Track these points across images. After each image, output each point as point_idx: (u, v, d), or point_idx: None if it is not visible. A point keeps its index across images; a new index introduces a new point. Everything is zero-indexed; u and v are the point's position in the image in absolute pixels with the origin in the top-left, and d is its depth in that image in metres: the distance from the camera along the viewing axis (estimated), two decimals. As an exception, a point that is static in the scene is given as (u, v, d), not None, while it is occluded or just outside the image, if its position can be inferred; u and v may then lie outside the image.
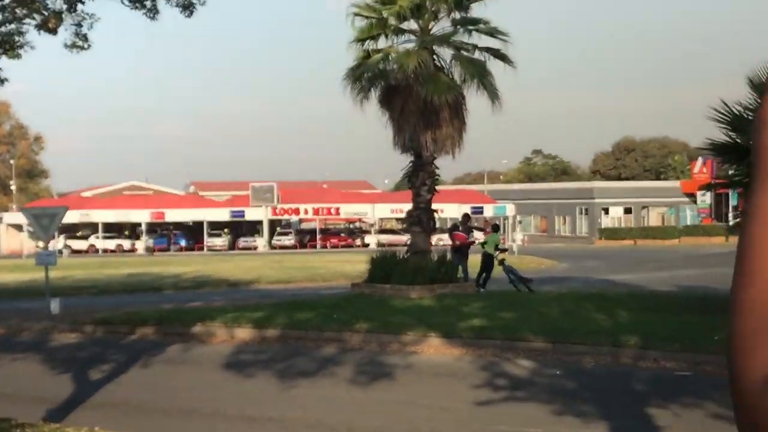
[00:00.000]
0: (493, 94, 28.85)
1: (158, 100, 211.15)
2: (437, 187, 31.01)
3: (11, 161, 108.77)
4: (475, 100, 29.53)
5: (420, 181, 28.93)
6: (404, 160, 30.11)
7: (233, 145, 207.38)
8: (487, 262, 31.00)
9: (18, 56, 15.26)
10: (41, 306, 27.52)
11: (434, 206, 31.64)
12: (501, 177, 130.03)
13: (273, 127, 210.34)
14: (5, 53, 15.18)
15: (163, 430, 14.20)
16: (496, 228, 34.37)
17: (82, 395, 16.14)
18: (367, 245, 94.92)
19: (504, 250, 32.00)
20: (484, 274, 31.05)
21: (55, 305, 26.32)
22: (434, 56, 29.38)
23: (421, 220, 30.55)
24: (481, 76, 28.59)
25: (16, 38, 15.17)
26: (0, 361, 20.11)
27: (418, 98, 27.85)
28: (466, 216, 34.86)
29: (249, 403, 15.38)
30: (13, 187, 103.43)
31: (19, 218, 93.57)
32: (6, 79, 15.32)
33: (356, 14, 29.15)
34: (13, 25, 15.14)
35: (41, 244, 26.97)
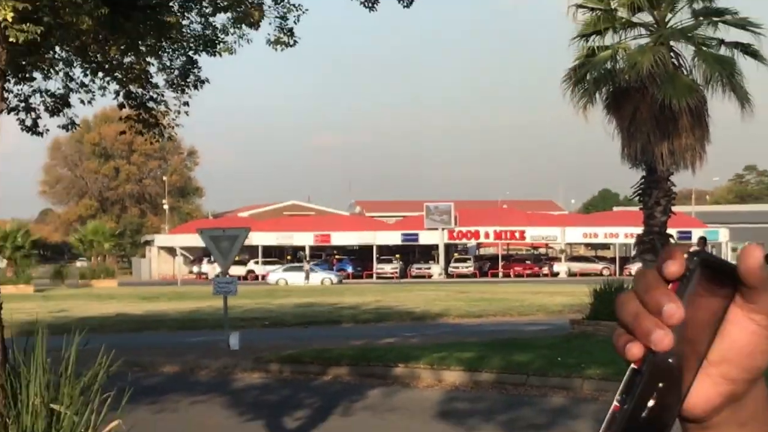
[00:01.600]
0: (744, 98, 27.32)
1: (317, 111, 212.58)
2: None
3: (163, 178, 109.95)
4: (719, 104, 28.09)
5: (653, 200, 27.48)
6: (601, 177, 28.89)
7: (400, 160, 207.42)
8: None
9: (219, 54, 14.79)
10: (216, 340, 27.20)
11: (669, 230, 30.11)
12: (707, 196, 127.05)
13: (445, 142, 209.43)
14: (205, 50, 14.67)
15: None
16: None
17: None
18: (556, 274, 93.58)
19: None
20: None
21: (234, 340, 25.89)
22: (672, 53, 28.05)
23: (655, 246, 28.97)
24: (729, 76, 27.09)
25: (220, 35, 14.71)
26: (177, 404, 19.54)
27: (653, 103, 26.53)
28: (702, 240, 33.43)
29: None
30: (165, 207, 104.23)
31: (172, 241, 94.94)
32: (206, 80, 14.77)
33: (579, 6, 28.02)
34: (214, 18, 14.67)
35: (216, 269, 26.54)
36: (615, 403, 1.04)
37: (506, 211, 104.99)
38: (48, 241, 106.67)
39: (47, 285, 72.64)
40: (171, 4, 13.48)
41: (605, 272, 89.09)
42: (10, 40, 8.81)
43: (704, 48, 27.65)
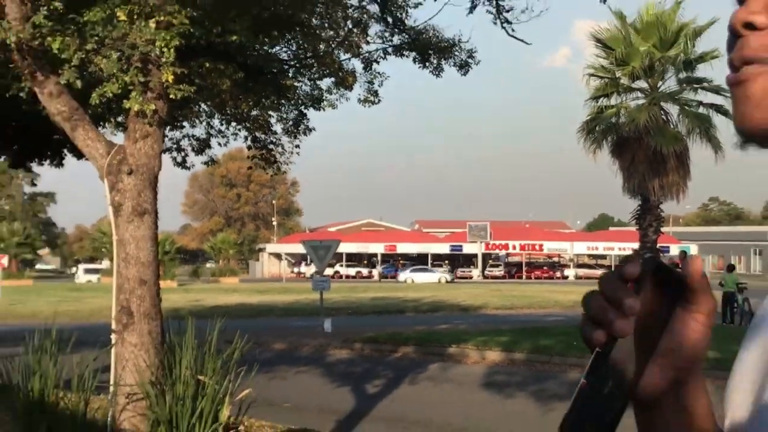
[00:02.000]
0: (717, 146, 26.96)
1: (391, 147, 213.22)
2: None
3: (273, 202, 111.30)
4: (698, 150, 27.64)
5: (647, 222, 27.10)
6: (600, 203, 28.54)
7: (450, 187, 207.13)
8: (729, 300, 28.97)
9: (323, 109, 14.65)
10: (315, 324, 26.99)
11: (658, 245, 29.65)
12: (680, 220, 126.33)
13: (485, 173, 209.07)
14: (312, 106, 14.49)
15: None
16: (731, 268, 31.87)
17: (361, 408, 15.18)
18: (566, 277, 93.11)
19: (744, 288, 29.55)
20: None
21: (328, 324, 25.65)
22: (662, 111, 27.61)
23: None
24: (706, 129, 26.69)
25: (324, 95, 14.55)
26: (286, 374, 19.38)
27: (648, 149, 26.15)
28: (683, 253, 32.90)
29: (514, 425, 14.14)
30: (274, 223, 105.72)
31: (279, 248, 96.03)
32: (313, 128, 14.62)
33: (591, 75, 27.74)
34: (320, 82, 14.50)
35: (313, 270, 26.29)
36: (582, 380, 1.02)
37: (528, 228, 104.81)
38: (187, 248, 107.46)
39: (186, 281, 73.17)
40: (288, 71, 13.30)
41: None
42: (171, 96, 8.62)
43: (687, 107, 27.26)
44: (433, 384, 18.39)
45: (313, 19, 13.22)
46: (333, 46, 13.64)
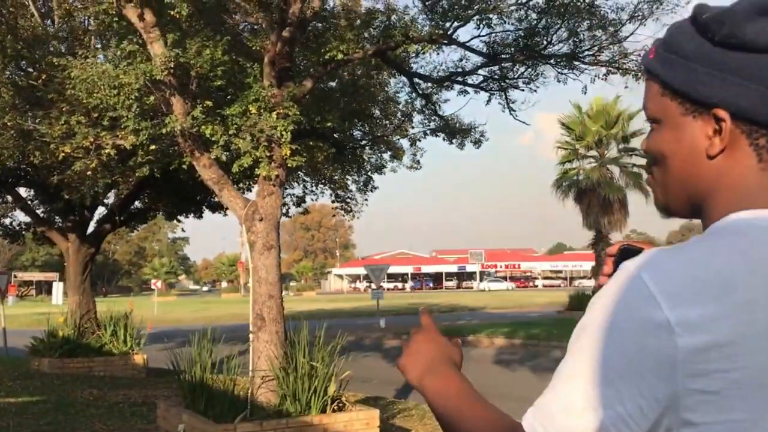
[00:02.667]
0: (646, 194, 26.38)
1: (418, 196, 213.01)
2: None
3: (336, 239, 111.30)
4: (634, 197, 26.99)
5: (600, 248, 26.45)
6: (557, 235, 27.85)
7: (459, 226, 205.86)
8: None
9: (384, 173, 14.28)
10: (372, 322, 26.49)
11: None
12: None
13: (486, 217, 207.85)
14: (376, 171, 14.10)
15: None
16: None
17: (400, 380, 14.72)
18: (536, 286, 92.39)
19: None
20: None
21: (383, 322, 25.15)
22: (608, 170, 27.00)
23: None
24: (639, 183, 26.06)
25: (386, 164, 14.21)
26: (356, 357, 18.84)
27: (599, 196, 25.59)
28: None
29: (523, 389, 13.54)
30: (337, 254, 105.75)
31: (340, 271, 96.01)
32: (377, 187, 14.21)
33: (558, 147, 27.30)
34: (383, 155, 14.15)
35: (365, 285, 25.74)
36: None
37: (509, 253, 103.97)
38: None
39: (280, 294, 72.90)
40: (363, 147, 12.98)
41: (562, 285, 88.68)
42: (288, 165, 8.30)
43: (625, 168, 26.63)
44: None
45: (377, 111, 12.94)
46: (390, 130, 13.34)
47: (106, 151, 9.01)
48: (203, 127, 8.05)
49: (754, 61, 0.90)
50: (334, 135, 10.42)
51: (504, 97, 11.66)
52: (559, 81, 9.74)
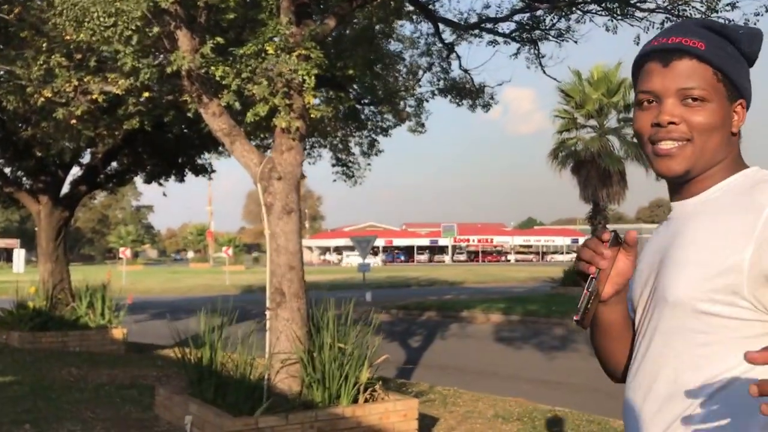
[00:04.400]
0: (647, 165, 25.59)
1: (387, 169, 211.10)
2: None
3: (306, 210, 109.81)
4: (633, 169, 26.14)
5: (597, 221, 25.63)
6: (528, 209, 26.96)
7: (435, 196, 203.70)
8: None
9: (390, 135, 13.26)
10: (357, 295, 25.46)
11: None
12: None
13: (463, 189, 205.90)
14: (381, 134, 13.06)
15: (480, 387, 11.64)
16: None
17: (411, 359, 13.79)
18: (508, 260, 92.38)
19: None
20: None
21: (369, 296, 24.16)
22: (608, 141, 26.10)
23: (618, 238, 27.09)
24: (639, 154, 25.23)
25: (388, 126, 13.15)
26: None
27: (599, 168, 24.73)
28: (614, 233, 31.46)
29: (533, 370, 12.68)
30: (306, 226, 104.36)
31: (309, 243, 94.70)
32: (382, 150, 13.11)
33: (556, 116, 26.27)
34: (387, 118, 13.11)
35: (335, 258, 24.73)
36: (584, 291, 1.34)
37: (483, 227, 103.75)
38: (246, 243, 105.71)
39: (251, 266, 71.55)
40: (371, 105, 11.84)
41: (534, 259, 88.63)
42: (311, 116, 7.18)
43: (626, 138, 25.71)
44: (457, 338, 16.96)
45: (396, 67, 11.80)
46: (401, 86, 12.22)
47: (94, 96, 7.77)
48: (213, 67, 6.87)
49: (749, 71, 1.36)
50: (354, 86, 9.26)
51: (535, 49, 10.60)
52: (608, 30, 8.70)
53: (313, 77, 6.97)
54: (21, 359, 10.69)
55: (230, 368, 6.93)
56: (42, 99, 7.68)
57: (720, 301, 1.21)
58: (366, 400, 6.80)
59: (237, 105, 6.94)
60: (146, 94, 8.25)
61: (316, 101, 7.66)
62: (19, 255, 52.24)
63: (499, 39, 10.19)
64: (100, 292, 12.93)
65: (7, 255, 73.83)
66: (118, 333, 12.80)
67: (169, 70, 6.55)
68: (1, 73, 9.04)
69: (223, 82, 6.96)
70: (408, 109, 13.03)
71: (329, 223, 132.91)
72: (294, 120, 7.12)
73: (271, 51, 6.98)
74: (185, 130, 13.90)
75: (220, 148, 15.11)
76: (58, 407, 7.33)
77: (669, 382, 1.27)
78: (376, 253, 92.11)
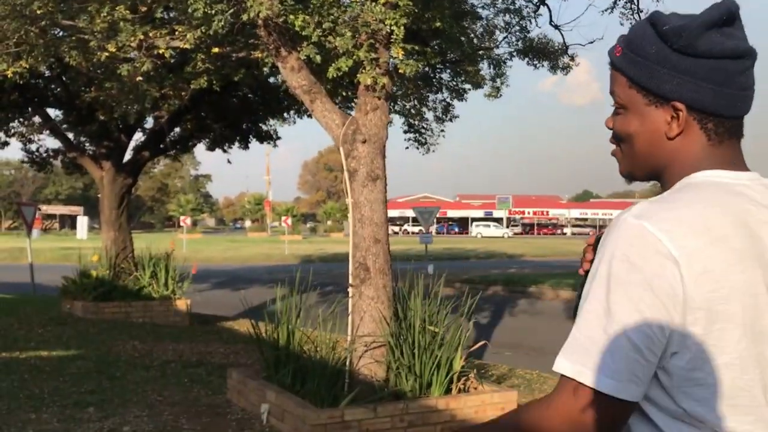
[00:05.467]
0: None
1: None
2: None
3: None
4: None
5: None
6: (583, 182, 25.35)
7: (485, 169, 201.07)
8: None
9: (465, 100, 12.43)
10: (420, 267, 24.69)
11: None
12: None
13: (519, 162, 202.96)
14: (457, 98, 12.22)
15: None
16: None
17: (482, 336, 12.97)
18: (565, 234, 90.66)
19: None
20: None
21: (431, 268, 23.31)
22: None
23: None
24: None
25: (465, 89, 12.27)
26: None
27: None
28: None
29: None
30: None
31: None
32: (457, 116, 12.30)
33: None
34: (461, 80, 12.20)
35: (423, 228, 23.84)
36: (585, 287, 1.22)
37: (537, 200, 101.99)
38: (301, 213, 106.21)
39: (308, 235, 71.46)
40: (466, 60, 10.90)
41: (591, 233, 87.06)
42: (400, 71, 6.35)
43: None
44: (528, 315, 15.99)
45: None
46: (480, 45, 11.26)
47: (161, 50, 7.06)
48: (292, 16, 6.08)
49: (704, 65, 1.17)
50: (438, 41, 8.36)
51: (634, 3, 9.54)
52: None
53: (402, 27, 6.14)
54: (84, 330, 10.23)
55: (309, 350, 6.24)
56: (105, 54, 7.00)
57: None
58: (459, 391, 6.03)
59: (318, 58, 6.14)
60: (216, 50, 7.52)
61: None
62: (83, 222, 53.11)
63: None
64: (163, 262, 12.42)
65: (71, 222, 75.32)
66: (181, 304, 12.30)
67: (244, 17, 5.78)
68: (66, 23, 8.40)
69: (303, 33, 6.17)
70: (486, 71, 12.13)
71: (389, 191, 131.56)
72: (380, 76, 6.30)
73: (355, -2, 6.17)
74: (250, 96, 13.23)
75: (285, 114, 14.40)
76: (123, 387, 6.75)
77: None
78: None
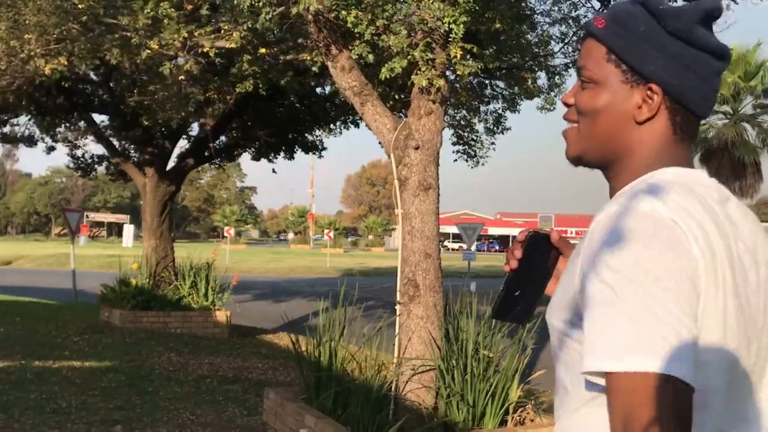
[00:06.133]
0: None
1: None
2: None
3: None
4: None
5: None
6: None
7: (527, 187, 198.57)
8: None
9: (518, 111, 11.88)
10: (460, 284, 24.06)
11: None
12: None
13: (562, 182, 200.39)
14: (510, 109, 11.72)
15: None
16: None
17: (529, 361, 12.31)
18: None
19: None
20: None
21: (473, 286, 22.67)
22: (743, 128, 23.55)
23: None
24: (775, 143, 22.70)
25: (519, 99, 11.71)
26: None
27: (732, 157, 22.31)
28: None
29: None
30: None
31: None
32: (509, 128, 11.74)
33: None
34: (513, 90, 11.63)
35: (465, 245, 23.24)
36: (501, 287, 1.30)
37: (580, 219, 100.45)
38: (343, 227, 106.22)
39: (349, 249, 71.19)
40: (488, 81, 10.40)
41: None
42: (457, 72, 5.85)
43: (762, 126, 23.09)
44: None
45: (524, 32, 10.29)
46: (537, 54, 10.69)
47: (206, 49, 6.68)
48: (344, 12, 5.62)
49: (692, 54, 1.11)
50: (495, 45, 7.81)
51: None
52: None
53: (461, 26, 5.64)
54: (121, 340, 9.88)
55: (352, 371, 5.72)
56: (147, 52, 6.62)
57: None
58: (516, 423, 5.45)
59: (370, 57, 5.67)
60: (262, 51, 7.11)
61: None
62: (129, 230, 53.62)
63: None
64: (204, 272, 12.05)
65: (118, 229, 76.24)
66: (221, 315, 11.90)
67: (294, 11, 5.34)
68: (109, 21, 8.09)
69: (355, 30, 5.71)
70: (542, 81, 11.57)
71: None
72: (436, 78, 5.80)
73: (411, -6, 5.69)
74: (297, 105, 12.86)
75: (332, 125, 14.01)
76: (154, 404, 6.31)
77: None
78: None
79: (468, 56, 6.23)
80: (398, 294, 5.82)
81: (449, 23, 5.62)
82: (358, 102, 5.91)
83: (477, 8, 5.91)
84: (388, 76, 5.77)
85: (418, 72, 5.78)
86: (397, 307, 5.81)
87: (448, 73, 6.23)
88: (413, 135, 5.86)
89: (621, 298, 0.97)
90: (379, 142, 6.29)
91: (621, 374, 0.94)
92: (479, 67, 5.90)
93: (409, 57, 5.72)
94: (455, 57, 5.77)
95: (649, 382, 0.92)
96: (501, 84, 11.36)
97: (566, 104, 1.23)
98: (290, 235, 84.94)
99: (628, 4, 1.17)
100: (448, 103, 10.52)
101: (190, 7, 7.10)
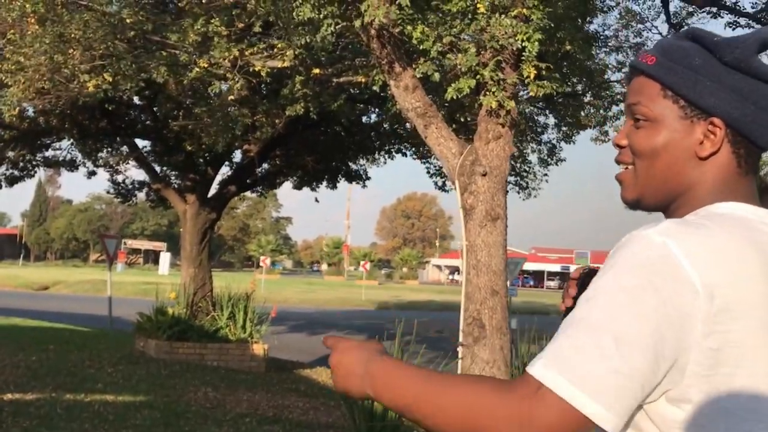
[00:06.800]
0: None
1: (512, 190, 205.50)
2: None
3: (436, 229, 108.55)
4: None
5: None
6: None
7: (563, 224, 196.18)
8: None
9: (573, 142, 11.41)
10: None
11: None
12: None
13: (596, 214, 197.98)
14: (564, 140, 11.24)
15: None
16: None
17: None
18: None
19: None
20: None
21: (514, 322, 21.91)
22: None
23: None
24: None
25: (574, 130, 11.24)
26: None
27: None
28: None
29: None
30: (437, 244, 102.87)
31: (439, 262, 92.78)
32: (564, 159, 11.25)
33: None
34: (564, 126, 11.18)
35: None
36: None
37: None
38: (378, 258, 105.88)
39: (384, 281, 70.67)
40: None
41: (576, 268, 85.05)
42: (531, 93, 5.32)
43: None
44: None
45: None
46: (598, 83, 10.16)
47: (257, 68, 6.27)
48: (410, 27, 5.17)
49: (751, 84, 1.06)
50: (563, 68, 7.30)
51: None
52: None
53: (536, 43, 5.15)
54: (156, 372, 9.42)
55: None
56: (196, 70, 6.23)
57: None
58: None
59: (436, 76, 5.20)
60: (316, 71, 6.69)
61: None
62: (165, 258, 53.74)
63: (741, 20, 7.96)
64: (242, 303, 11.60)
65: (155, 257, 76.66)
66: (258, 348, 11.41)
67: (357, 24, 4.90)
68: (157, 38, 7.76)
69: (421, 47, 5.26)
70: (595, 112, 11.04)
71: (457, 242, 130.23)
72: (507, 99, 5.30)
73: (482, 8, 5.22)
74: (342, 133, 12.47)
75: (376, 155, 13.59)
76: (192, 446, 5.80)
77: None
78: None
79: (541, 78, 5.73)
80: (461, 334, 5.27)
81: (522, 40, 5.15)
82: (421, 124, 5.42)
83: (551, 26, 5.43)
84: (455, 97, 5.29)
85: (487, 93, 5.30)
86: (460, 349, 5.26)
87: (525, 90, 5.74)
88: (480, 161, 5.36)
89: (586, 319, 0.93)
90: (440, 168, 5.80)
91: (550, 390, 0.90)
92: (554, 88, 5.38)
93: (478, 77, 5.24)
94: (528, 77, 5.28)
95: (567, 412, 0.89)
96: (549, 113, 10.87)
97: (618, 146, 1.17)
98: (324, 266, 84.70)
99: (678, 38, 1.13)
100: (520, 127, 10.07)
101: (241, 25, 6.73)
